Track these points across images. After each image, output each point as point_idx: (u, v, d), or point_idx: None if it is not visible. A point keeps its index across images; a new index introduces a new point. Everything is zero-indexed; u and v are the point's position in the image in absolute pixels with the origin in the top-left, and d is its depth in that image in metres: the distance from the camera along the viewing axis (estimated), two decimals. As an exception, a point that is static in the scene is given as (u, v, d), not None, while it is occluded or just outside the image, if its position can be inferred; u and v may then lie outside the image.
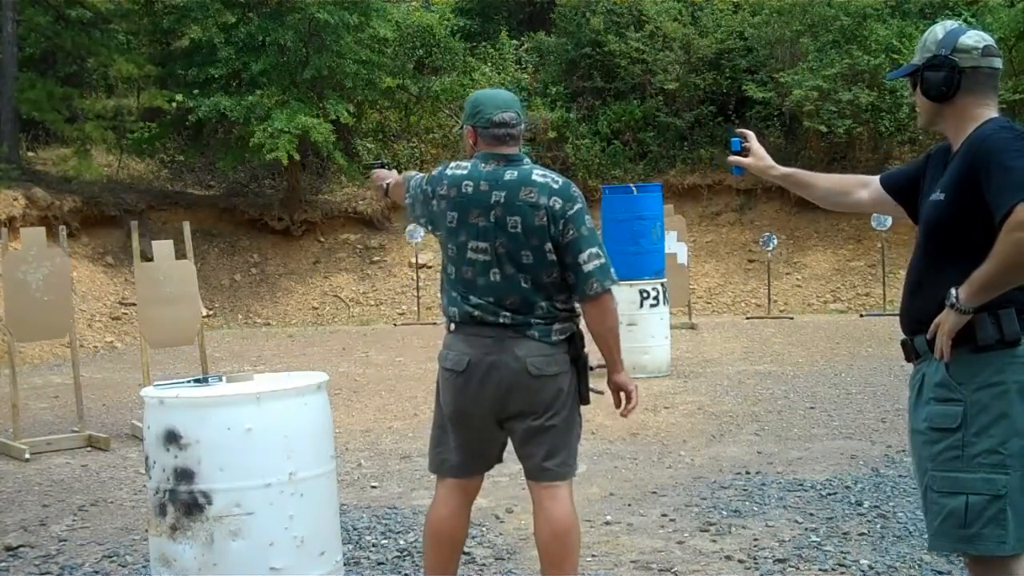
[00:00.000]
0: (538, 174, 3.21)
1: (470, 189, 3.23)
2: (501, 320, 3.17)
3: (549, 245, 3.14)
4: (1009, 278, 2.44)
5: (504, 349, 3.16)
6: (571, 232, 3.15)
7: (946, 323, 2.53)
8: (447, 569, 3.33)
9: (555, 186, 3.18)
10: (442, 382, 3.34)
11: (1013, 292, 2.49)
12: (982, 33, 2.67)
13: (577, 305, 3.26)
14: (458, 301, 3.24)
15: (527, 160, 3.28)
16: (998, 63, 2.64)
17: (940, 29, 2.70)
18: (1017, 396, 2.51)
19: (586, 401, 3.36)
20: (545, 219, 3.13)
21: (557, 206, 3.14)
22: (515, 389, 3.17)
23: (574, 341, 3.26)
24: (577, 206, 3.17)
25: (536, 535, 3.29)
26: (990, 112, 2.63)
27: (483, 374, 3.18)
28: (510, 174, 3.20)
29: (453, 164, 3.37)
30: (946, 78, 2.62)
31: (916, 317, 2.69)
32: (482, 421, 3.24)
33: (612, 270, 3.21)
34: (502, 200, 3.16)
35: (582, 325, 3.29)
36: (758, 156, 3.15)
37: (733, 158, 3.18)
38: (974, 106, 2.63)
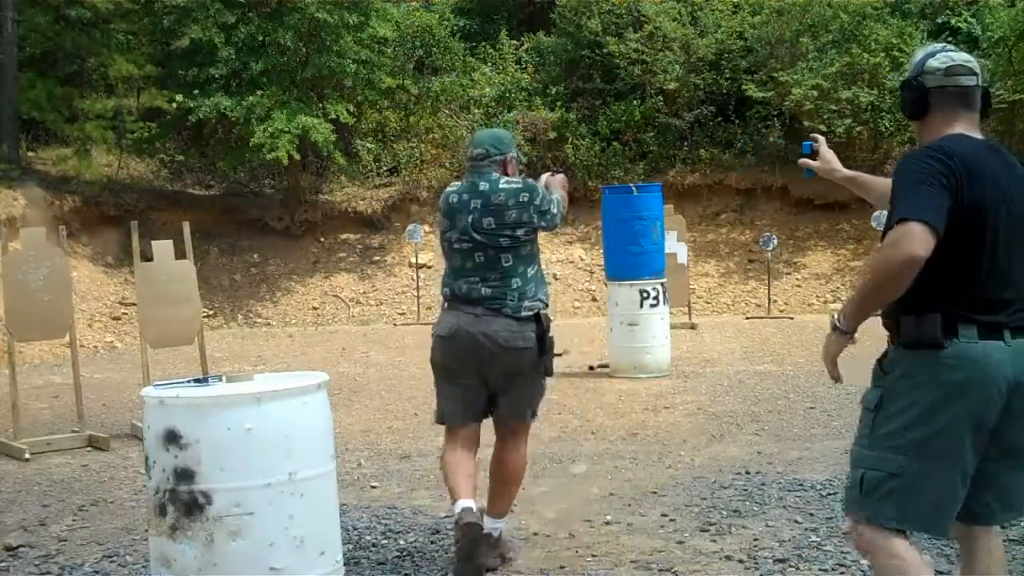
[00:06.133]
0: (504, 183, 4.19)
1: (455, 199, 4.24)
2: (482, 293, 4.09)
3: (522, 232, 4.14)
4: (876, 296, 2.66)
5: (483, 324, 4.06)
6: (540, 206, 4.17)
7: (826, 346, 2.79)
8: (467, 483, 4.06)
9: (518, 186, 4.19)
10: (434, 346, 4.22)
11: (941, 298, 2.65)
12: (954, 54, 2.80)
13: (543, 297, 4.20)
14: (450, 283, 4.20)
15: (496, 175, 4.23)
16: (966, 81, 2.77)
17: (920, 52, 2.90)
18: (929, 391, 2.67)
19: (549, 374, 4.24)
20: (515, 212, 4.12)
21: (525, 198, 4.15)
22: (489, 355, 4.06)
23: (540, 321, 4.14)
24: (536, 189, 4.20)
25: (491, 462, 4.28)
26: (955, 128, 2.76)
27: (465, 340, 4.08)
28: (484, 185, 4.19)
29: (450, 186, 4.41)
30: (914, 98, 2.82)
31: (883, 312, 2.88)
32: (466, 376, 4.12)
33: (559, 203, 4.30)
34: (479, 205, 4.15)
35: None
36: (824, 160, 3.32)
37: (803, 160, 3.36)
38: (941, 123, 2.79)
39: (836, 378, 2.81)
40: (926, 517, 2.72)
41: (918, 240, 2.53)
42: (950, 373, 2.65)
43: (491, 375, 4.10)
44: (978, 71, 2.80)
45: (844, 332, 2.74)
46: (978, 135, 2.79)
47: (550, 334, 4.16)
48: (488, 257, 4.11)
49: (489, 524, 4.14)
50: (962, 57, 2.80)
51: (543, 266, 4.42)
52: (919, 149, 2.74)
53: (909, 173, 2.65)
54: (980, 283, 2.67)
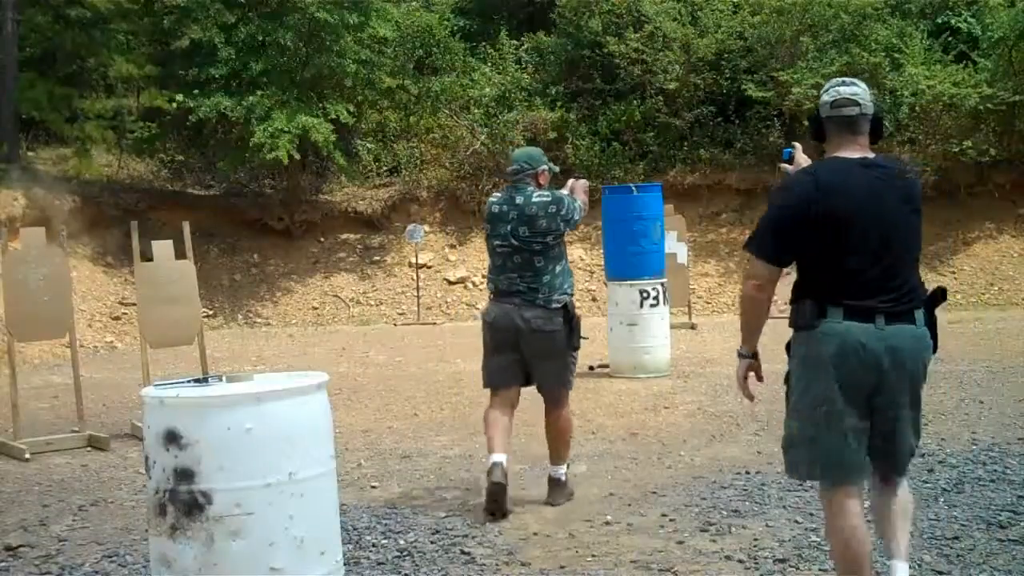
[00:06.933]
0: (536, 196, 5.10)
1: (496, 209, 5.16)
2: (519, 288, 5.03)
3: (551, 238, 5.05)
4: (749, 318, 3.39)
5: (519, 311, 5.03)
6: (565, 215, 5.09)
7: (737, 370, 3.47)
8: (501, 438, 5.06)
9: (548, 199, 5.09)
10: (483, 328, 5.26)
11: (814, 289, 3.24)
12: (842, 88, 3.34)
13: (569, 289, 5.12)
14: (494, 279, 5.19)
15: (530, 189, 5.13)
16: (849, 111, 3.31)
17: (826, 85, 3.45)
18: (801, 363, 3.28)
19: (576, 348, 5.16)
20: (545, 222, 5.04)
21: (553, 210, 5.07)
22: (526, 337, 5.04)
23: (567, 309, 5.07)
24: (563, 200, 5.12)
25: (546, 426, 5.25)
26: (842, 150, 3.32)
27: (505, 325, 5.08)
28: (520, 198, 5.12)
29: (492, 196, 5.33)
30: (814, 126, 3.42)
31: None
32: (508, 353, 5.12)
33: (581, 208, 5.23)
34: (516, 215, 5.07)
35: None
36: (798, 165, 3.69)
37: (783, 165, 3.76)
38: (834, 146, 3.36)
39: (748, 396, 3.49)
40: (826, 469, 3.26)
41: (758, 271, 3.32)
42: (820, 346, 3.21)
43: (525, 352, 5.08)
44: (862, 102, 3.31)
45: (745, 356, 3.43)
46: (859, 154, 3.30)
47: (577, 317, 5.14)
48: (524, 259, 5.04)
49: (552, 471, 5.23)
50: (849, 91, 3.33)
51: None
52: (788, 176, 3.49)
53: (769, 207, 3.40)
54: (848, 275, 3.19)
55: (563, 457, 5.25)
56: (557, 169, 5.55)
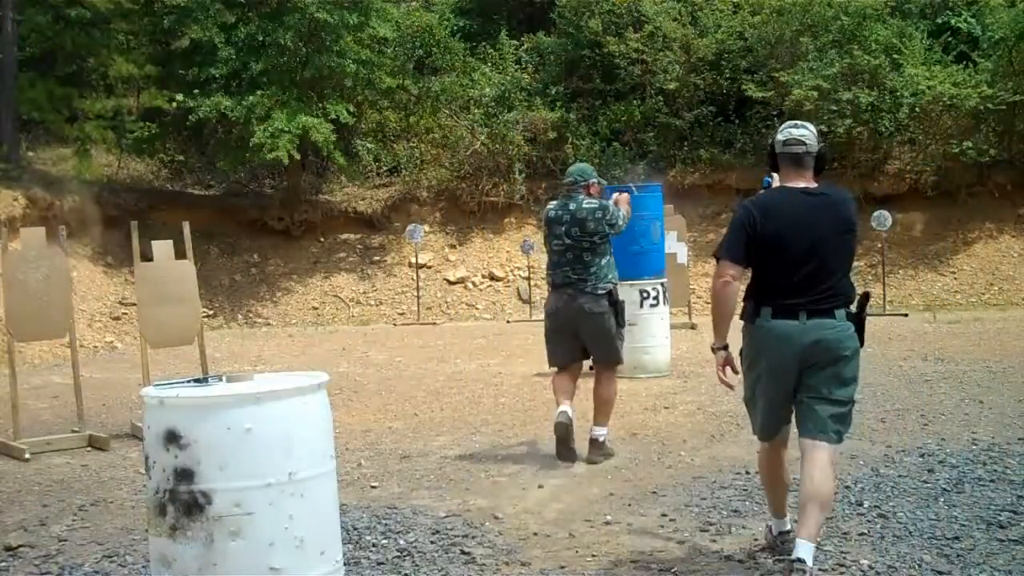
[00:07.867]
0: (586, 203, 6.12)
1: (553, 214, 6.21)
2: (571, 278, 6.06)
3: (597, 238, 6.05)
4: (717, 312, 4.04)
5: (573, 300, 6.05)
6: (609, 220, 6.10)
7: (716, 364, 4.14)
8: (566, 394, 6.12)
9: (595, 206, 6.11)
10: (545, 317, 6.34)
11: (756, 293, 3.99)
12: (793, 130, 4.03)
13: (613, 278, 6.12)
14: (552, 273, 6.19)
15: (581, 197, 6.15)
16: (796, 149, 4.01)
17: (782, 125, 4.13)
18: (750, 351, 4.04)
19: (622, 326, 6.20)
20: (593, 224, 6.05)
21: (600, 215, 6.08)
22: (579, 319, 6.07)
23: (612, 294, 6.09)
24: (608, 207, 6.16)
25: (594, 390, 6.27)
26: (788, 181, 4.03)
27: (563, 312, 6.10)
28: (572, 205, 6.14)
29: (549, 204, 6.44)
30: (770, 158, 4.15)
31: None
32: (566, 335, 6.14)
33: (624, 216, 6.29)
34: (569, 218, 6.09)
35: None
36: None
37: (762, 193, 4.20)
38: (784, 177, 4.08)
39: (728, 386, 4.11)
40: (759, 428, 4.21)
41: (727, 269, 3.98)
42: (756, 339, 4.01)
43: (581, 333, 6.09)
44: (808, 142, 4.00)
45: (718, 349, 4.05)
46: (802, 184, 3.99)
47: (621, 300, 6.18)
48: (575, 255, 6.06)
49: (596, 432, 6.16)
50: (798, 132, 4.02)
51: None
52: (744, 201, 4.11)
53: (732, 221, 4.06)
54: (781, 282, 3.92)
55: (603, 420, 6.19)
56: (606, 183, 6.51)
